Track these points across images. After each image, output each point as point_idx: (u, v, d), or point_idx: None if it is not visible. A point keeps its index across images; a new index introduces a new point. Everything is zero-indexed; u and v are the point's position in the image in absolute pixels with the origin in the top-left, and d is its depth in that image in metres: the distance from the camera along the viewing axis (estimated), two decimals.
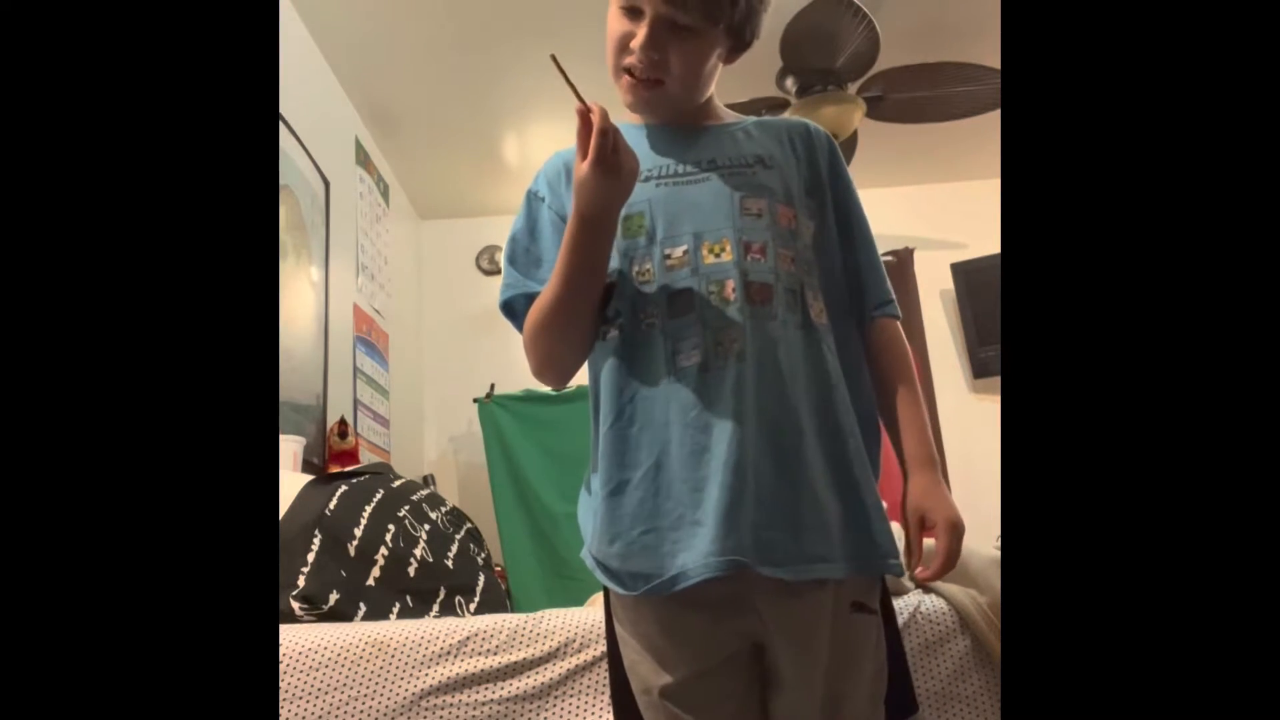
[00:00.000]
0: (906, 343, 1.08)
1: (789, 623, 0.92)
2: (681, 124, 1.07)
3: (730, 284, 0.95)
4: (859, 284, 1.07)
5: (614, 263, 0.99)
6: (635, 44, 0.97)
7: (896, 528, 1.43)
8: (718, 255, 0.96)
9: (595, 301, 0.98)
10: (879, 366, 1.06)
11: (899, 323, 1.09)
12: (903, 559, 0.99)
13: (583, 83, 0.88)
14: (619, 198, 0.93)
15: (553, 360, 1.01)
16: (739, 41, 1.03)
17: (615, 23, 1.00)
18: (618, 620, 1.00)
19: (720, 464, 0.89)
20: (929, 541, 0.99)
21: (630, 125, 1.07)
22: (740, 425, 0.90)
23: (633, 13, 0.98)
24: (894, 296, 1.08)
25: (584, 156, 0.89)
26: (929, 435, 1.02)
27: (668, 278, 0.97)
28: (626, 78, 1.01)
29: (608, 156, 0.88)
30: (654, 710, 0.95)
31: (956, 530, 0.96)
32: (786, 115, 2.79)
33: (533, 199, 1.10)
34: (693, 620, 0.93)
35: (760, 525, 0.89)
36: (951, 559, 0.96)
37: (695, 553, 0.88)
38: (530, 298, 1.01)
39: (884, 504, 0.98)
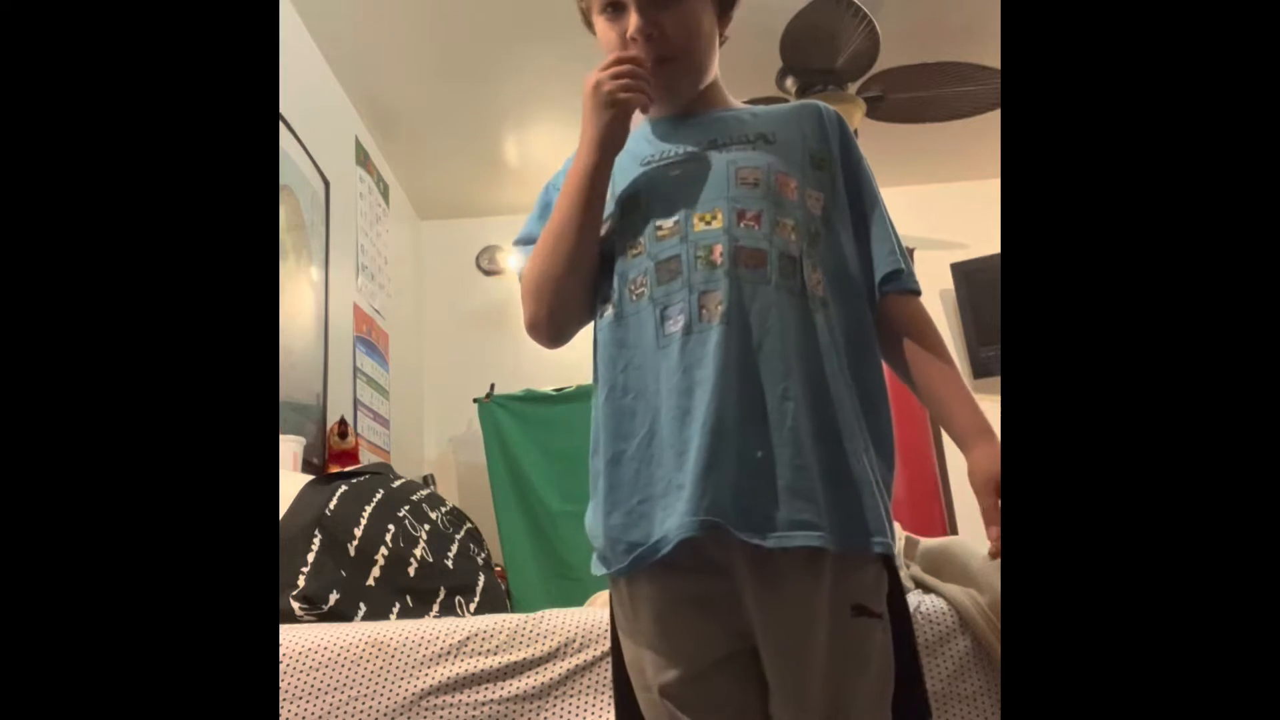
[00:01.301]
0: (926, 317, 1.04)
1: (777, 625, 0.90)
2: (687, 112, 1.07)
3: (718, 248, 0.94)
4: (867, 260, 1.03)
5: (608, 244, 1.01)
6: (630, 32, 0.99)
7: (897, 527, 1.43)
8: (708, 223, 0.96)
9: (589, 248, 1.00)
10: (903, 349, 1.03)
11: (916, 299, 1.04)
12: (986, 531, 0.93)
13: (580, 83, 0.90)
14: (614, 131, 0.98)
15: (551, 307, 1.02)
16: (723, 5, 1.05)
17: (604, 31, 1.02)
18: (617, 617, 1.00)
19: (699, 426, 0.88)
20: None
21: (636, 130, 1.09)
22: (721, 386, 0.89)
23: (616, 10, 1.00)
24: (905, 268, 1.02)
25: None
26: (977, 406, 0.98)
27: (657, 248, 0.97)
28: None
29: (624, 70, 0.95)
30: (653, 709, 0.95)
31: None
32: None
33: (549, 189, 1.13)
34: (686, 618, 0.92)
35: (742, 490, 0.87)
36: None
37: (675, 515, 0.88)
38: None
39: (880, 484, 0.94)
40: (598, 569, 0.98)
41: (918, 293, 1.05)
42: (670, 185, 1.00)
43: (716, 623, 0.92)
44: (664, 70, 1.01)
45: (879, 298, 1.03)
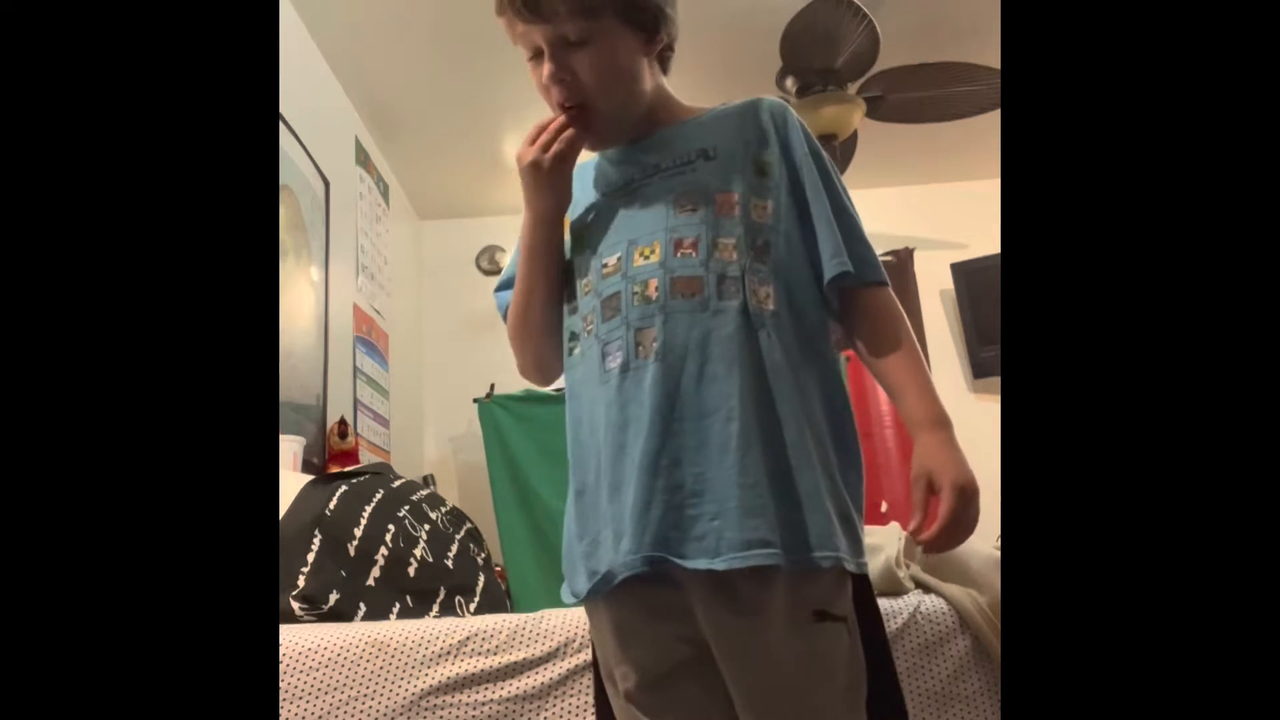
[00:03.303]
0: (884, 305, 1.01)
1: (731, 635, 0.90)
2: (635, 138, 1.06)
3: (654, 283, 0.95)
4: (817, 258, 0.99)
5: (570, 281, 1.05)
6: (544, 78, 0.98)
7: (896, 528, 1.43)
8: (647, 257, 0.97)
9: (553, 310, 1.05)
10: (861, 343, 1.01)
11: (876, 289, 1.01)
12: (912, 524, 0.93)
13: None
14: (552, 203, 1.03)
15: (525, 357, 1.10)
16: (646, 30, 1.01)
17: (533, 76, 1.02)
18: (590, 629, 1.04)
19: (632, 464, 0.91)
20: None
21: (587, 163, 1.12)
22: (655, 420, 0.91)
23: (537, 56, 0.99)
24: (854, 267, 0.97)
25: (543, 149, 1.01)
26: (931, 394, 0.95)
27: (603, 285, 0.99)
28: (564, 115, 1.01)
29: (546, 156, 0.99)
30: (623, 715, 0.98)
31: (965, 493, 0.88)
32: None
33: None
34: (639, 626, 0.95)
35: (690, 519, 0.88)
36: (957, 524, 0.88)
37: (619, 551, 0.90)
38: None
39: (841, 489, 0.94)
40: (566, 598, 1.01)
41: (878, 283, 1.01)
42: (615, 220, 1.01)
43: (670, 630, 0.94)
44: (585, 115, 1.00)
45: (838, 294, 1.01)
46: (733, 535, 0.87)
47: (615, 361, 0.95)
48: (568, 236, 1.07)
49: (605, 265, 0.99)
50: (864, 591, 1.00)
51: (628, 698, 0.96)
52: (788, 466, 0.90)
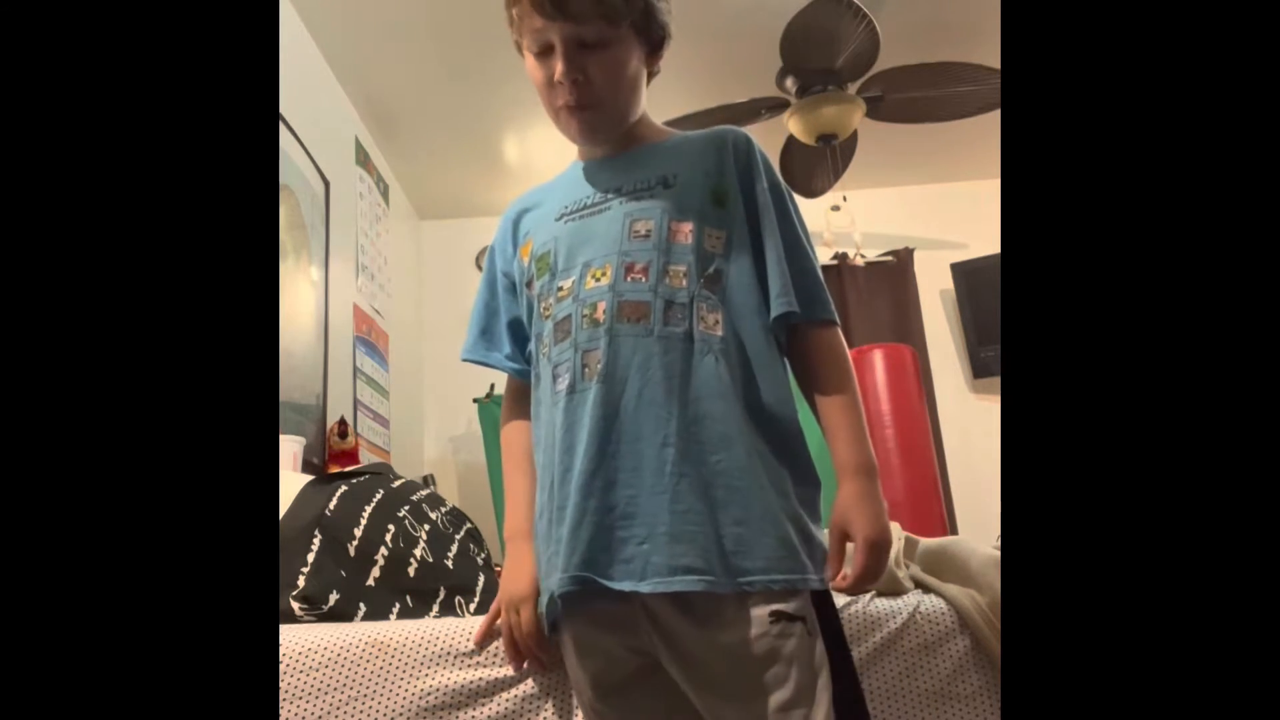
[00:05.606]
0: (826, 345, 1.03)
1: (681, 643, 0.91)
2: (610, 152, 1.09)
3: (602, 305, 0.97)
4: (767, 291, 1.01)
5: (529, 304, 1.07)
6: (556, 76, 0.99)
7: (897, 528, 1.43)
8: (598, 279, 0.99)
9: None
10: (803, 380, 1.04)
11: (824, 327, 1.03)
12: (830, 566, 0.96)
13: None
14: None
15: None
16: (650, 42, 1.04)
17: (533, 69, 1.03)
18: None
19: (574, 485, 0.93)
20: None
21: (566, 172, 1.14)
22: (594, 444, 0.92)
23: (545, 52, 1.00)
24: (794, 307, 0.99)
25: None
26: (860, 442, 0.98)
27: (558, 308, 1.01)
28: (564, 112, 1.03)
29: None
30: None
31: (876, 549, 0.93)
32: (788, 115, 2.80)
33: (491, 254, 1.18)
34: (591, 639, 0.97)
35: (619, 541, 0.90)
36: (867, 575, 0.93)
37: (557, 571, 0.93)
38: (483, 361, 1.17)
39: (795, 509, 0.94)
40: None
41: (821, 321, 1.03)
42: (573, 242, 1.03)
43: (619, 641, 0.95)
44: (586, 116, 1.02)
45: (786, 330, 1.02)
46: (659, 560, 0.89)
47: (563, 384, 0.97)
48: (529, 264, 1.08)
49: (560, 289, 1.01)
50: (824, 597, 0.99)
51: (591, 709, 0.99)
52: (733, 490, 0.91)
